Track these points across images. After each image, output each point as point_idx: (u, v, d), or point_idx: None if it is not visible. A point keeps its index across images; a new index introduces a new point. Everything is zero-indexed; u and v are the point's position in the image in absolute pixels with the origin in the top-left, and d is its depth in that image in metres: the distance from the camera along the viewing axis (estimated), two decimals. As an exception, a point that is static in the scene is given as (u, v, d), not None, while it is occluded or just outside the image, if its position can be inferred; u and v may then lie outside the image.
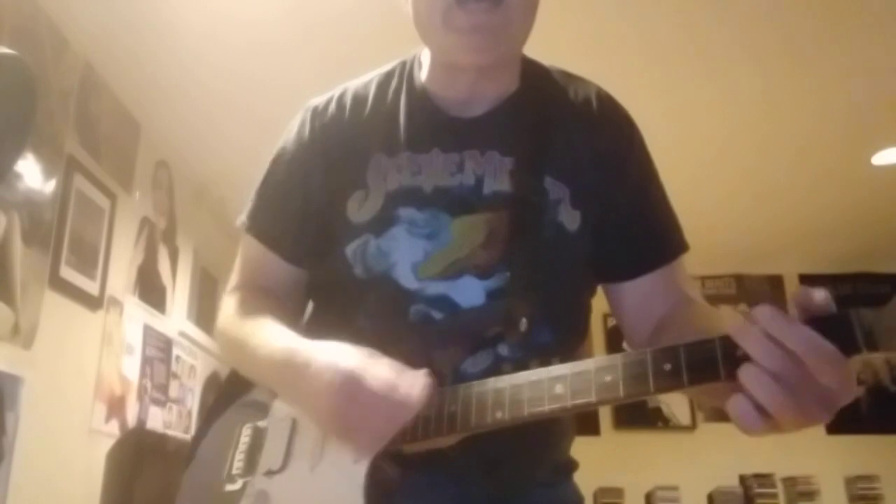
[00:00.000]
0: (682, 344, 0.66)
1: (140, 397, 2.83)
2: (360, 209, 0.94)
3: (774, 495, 4.21)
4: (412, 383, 0.76)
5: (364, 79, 1.04)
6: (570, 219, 0.91)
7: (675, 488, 4.16)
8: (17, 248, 2.08)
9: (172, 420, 3.15)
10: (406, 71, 1.02)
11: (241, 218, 1.05)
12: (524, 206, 0.90)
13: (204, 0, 2.30)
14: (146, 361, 2.90)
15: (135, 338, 2.83)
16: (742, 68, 2.67)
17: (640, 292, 0.95)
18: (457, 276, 0.88)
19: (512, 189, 0.90)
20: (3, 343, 1.99)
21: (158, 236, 3.11)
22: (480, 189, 0.91)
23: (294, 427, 0.89)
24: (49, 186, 2.25)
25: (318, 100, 1.05)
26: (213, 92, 2.78)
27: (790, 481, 4.22)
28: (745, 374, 0.62)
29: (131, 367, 2.78)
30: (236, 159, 3.33)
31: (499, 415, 0.74)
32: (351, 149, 0.97)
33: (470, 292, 0.88)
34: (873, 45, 2.56)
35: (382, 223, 0.92)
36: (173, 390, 3.18)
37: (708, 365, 0.64)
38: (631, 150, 0.98)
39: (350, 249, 0.92)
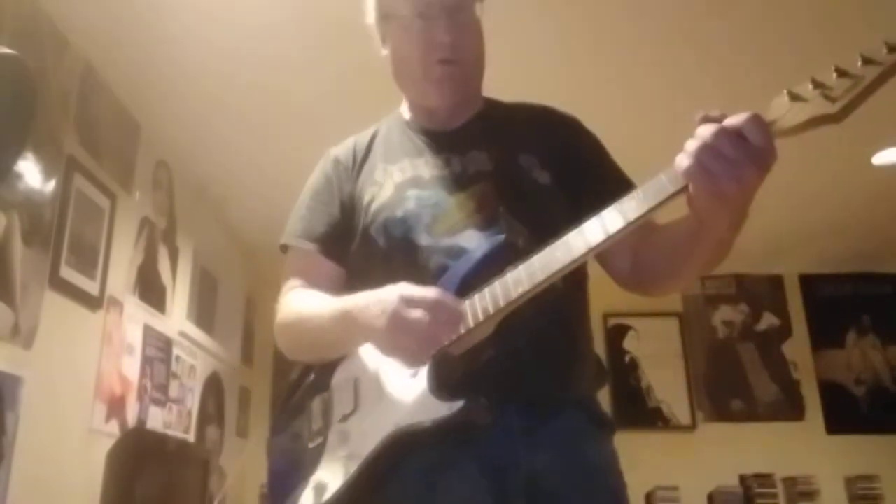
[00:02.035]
0: (639, 188, 0.91)
1: (140, 397, 2.83)
2: (376, 199, 1.18)
3: (774, 495, 4.21)
4: (456, 300, 0.98)
5: (364, 132, 1.33)
6: (542, 176, 1.16)
7: (675, 488, 4.16)
8: (17, 248, 2.08)
9: (172, 420, 3.15)
10: (394, 116, 1.33)
11: (283, 239, 1.27)
12: (504, 174, 1.16)
13: (203, 1, 2.31)
14: (146, 361, 2.90)
15: (135, 338, 2.83)
16: (742, 68, 2.67)
17: None
18: (461, 230, 1.10)
19: (492, 167, 1.17)
20: (3, 343, 1.99)
21: (158, 236, 3.11)
22: (467, 173, 1.17)
23: (357, 382, 1.08)
24: (49, 186, 2.25)
25: (334, 148, 1.33)
26: (214, 92, 2.78)
27: (790, 481, 4.22)
28: (682, 155, 0.85)
29: (131, 367, 2.78)
30: (236, 159, 3.33)
31: (520, 289, 0.94)
32: (363, 168, 1.25)
33: (475, 241, 1.08)
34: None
35: (395, 202, 1.16)
36: (173, 390, 3.18)
37: (659, 186, 0.88)
38: (580, 134, 1.26)
39: (374, 228, 1.15)
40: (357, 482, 1.00)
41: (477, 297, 0.98)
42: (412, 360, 0.97)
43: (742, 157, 0.82)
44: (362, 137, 1.30)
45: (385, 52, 1.27)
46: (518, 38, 2.47)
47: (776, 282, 4.84)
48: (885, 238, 4.34)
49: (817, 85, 0.81)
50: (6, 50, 1.53)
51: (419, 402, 0.98)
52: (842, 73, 0.80)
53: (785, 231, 4.20)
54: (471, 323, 0.97)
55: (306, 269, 1.22)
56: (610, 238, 0.91)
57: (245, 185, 3.59)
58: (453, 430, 0.95)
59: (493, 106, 1.29)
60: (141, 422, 2.83)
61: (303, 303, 1.16)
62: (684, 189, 0.86)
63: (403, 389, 1.00)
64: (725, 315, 4.78)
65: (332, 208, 1.23)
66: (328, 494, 1.02)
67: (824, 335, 4.71)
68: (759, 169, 0.82)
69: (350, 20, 1.32)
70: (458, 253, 1.07)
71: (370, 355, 1.08)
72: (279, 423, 1.20)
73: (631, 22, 2.47)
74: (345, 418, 1.06)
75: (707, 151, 0.82)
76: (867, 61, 0.80)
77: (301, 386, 1.19)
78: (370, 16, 1.27)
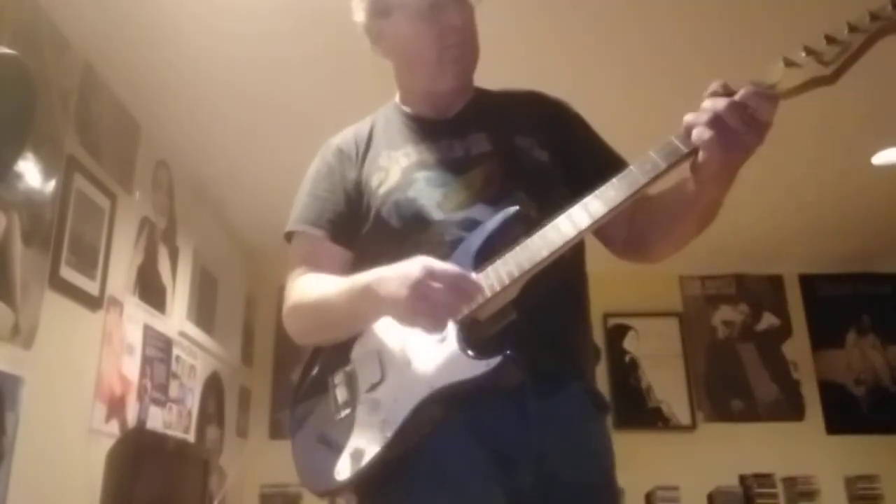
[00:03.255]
0: (650, 152, 0.98)
1: (140, 397, 2.83)
2: (384, 183, 1.21)
3: (774, 495, 4.21)
4: (473, 276, 1.01)
5: (362, 122, 1.35)
6: (542, 155, 1.22)
7: (675, 488, 4.16)
8: (17, 248, 2.08)
9: (172, 420, 3.15)
10: (391, 106, 1.35)
11: (289, 226, 1.27)
12: (505, 154, 1.20)
13: (203, 1, 2.31)
14: (146, 361, 2.90)
15: (135, 338, 2.83)
16: (743, 67, 2.67)
17: None
18: (472, 205, 1.14)
19: (492, 147, 1.21)
20: (3, 343, 1.99)
21: (158, 236, 3.11)
22: (469, 155, 1.21)
23: (381, 353, 1.10)
24: (49, 186, 2.25)
25: (334, 138, 1.34)
26: (214, 92, 2.78)
27: (790, 481, 4.22)
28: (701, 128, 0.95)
29: (131, 367, 2.78)
30: (236, 159, 3.33)
31: (544, 252, 0.99)
32: (366, 155, 1.27)
33: (487, 214, 1.11)
34: (873, 45, 2.56)
35: (405, 185, 1.19)
36: (173, 390, 3.18)
37: (672, 148, 0.97)
38: (568, 115, 1.31)
39: (385, 210, 1.18)
40: (394, 446, 1.02)
41: (500, 261, 1.02)
42: (433, 325, 0.98)
43: (747, 128, 0.93)
44: (361, 127, 1.33)
45: (379, 49, 1.30)
46: (519, 34, 2.47)
47: (776, 282, 4.84)
48: (885, 238, 4.34)
49: (809, 52, 0.91)
50: (6, 50, 1.53)
51: (453, 364, 1.00)
52: (831, 41, 0.90)
53: (785, 231, 4.20)
54: (497, 287, 1.00)
55: (314, 255, 1.23)
56: (629, 198, 0.97)
57: (245, 186, 3.59)
58: (490, 387, 0.98)
59: (484, 93, 1.34)
60: (141, 422, 2.83)
61: (316, 284, 1.18)
62: (693, 153, 0.95)
63: (433, 354, 1.03)
64: (725, 315, 4.78)
65: (336, 195, 1.25)
66: (366, 459, 1.03)
67: (824, 335, 4.71)
68: (761, 138, 0.94)
69: (347, 24, 1.33)
70: (471, 225, 1.10)
71: (387, 330, 1.10)
72: (298, 401, 1.20)
73: (633, 17, 2.46)
74: (373, 388, 1.08)
75: (720, 124, 0.93)
76: (853, 29, 0.89)
77: (310, 374, 1.20)
78: (359, 14, 1.28)
